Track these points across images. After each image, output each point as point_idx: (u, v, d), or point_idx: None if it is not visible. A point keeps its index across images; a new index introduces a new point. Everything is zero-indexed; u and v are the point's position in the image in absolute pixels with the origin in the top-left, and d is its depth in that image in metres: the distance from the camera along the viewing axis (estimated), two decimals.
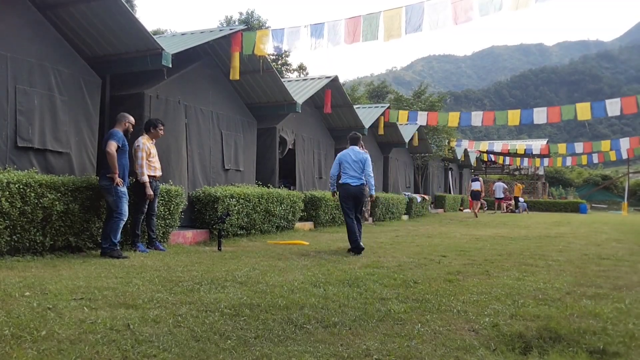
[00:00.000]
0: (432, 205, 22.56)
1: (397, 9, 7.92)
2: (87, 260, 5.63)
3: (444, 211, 23.57)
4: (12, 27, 6.10)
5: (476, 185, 20.54)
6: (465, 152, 29.03)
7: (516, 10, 7.23)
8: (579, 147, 24.68)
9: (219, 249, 7.12)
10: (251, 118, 10.70)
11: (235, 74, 9.12)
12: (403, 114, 16.61)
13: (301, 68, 37.47)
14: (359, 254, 6.98)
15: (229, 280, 4.59)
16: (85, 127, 6.97)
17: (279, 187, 11.06)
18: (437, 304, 3.89)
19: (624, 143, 22.72)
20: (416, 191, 21.36)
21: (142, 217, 6.74)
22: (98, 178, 6.27)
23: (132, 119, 6.57)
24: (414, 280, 4.83)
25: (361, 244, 7.11)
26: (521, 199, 27.15)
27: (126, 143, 6.33)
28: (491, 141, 37.28)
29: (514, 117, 15.18)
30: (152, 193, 6.66)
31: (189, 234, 8.04)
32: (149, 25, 61.40)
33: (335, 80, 13.52)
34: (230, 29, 9.38)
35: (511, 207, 26.69)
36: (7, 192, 5.19)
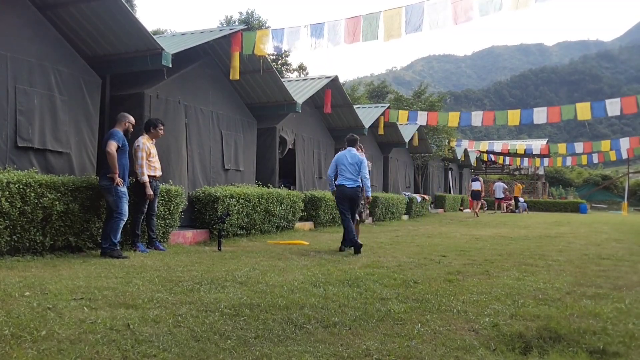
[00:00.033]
0: (432, 205, 22.56)
1: (397, 8, 7.92)
2: (87, 260, 5.63)
3: (444, 211, 23.57)
4: (12, 27, 6.10)
5: (476, 185, 20.55)
6: (465, 152, 29.03)
7: (516, 10, 7.24)
8: (579, 147, 24.68)
9: (219, 249, 7.12)
10: (251, 118, 10.70)
11: (235, 74, 9.12)
12: (403, 114, 16.61)
13: (301, 68, 37.46)
14: (359, 252, 7.02)
15: (229, 280, 4.59)
16: (85, 127, 6.97)
17: (279, 187, 11.06)
18: (437, 304, 3.89)
19: (624, 143, 22.73)
20: (416, 191, 21.36)
21: (142, 217, 6.74)
22: (98, 178, 6.27)
23: (132, 119, 6.57)
24: (414, 280, 4.84)
25: (344, 247, 7.27)
26: (521, 199, 27.14)
27: (126, 143, 6.33)
28: (491, 141, 37.28)
29: (514, 117, 15.18)
30: (152, 193, 6.66)
31: (189, 234, 8.04)
32: (149, 25, 61.37)
33: (335, 80, 13.53)
34: (230, 29, 9.37)
35: (511, 207, 26.69)
36: (7, 192, 5.19)
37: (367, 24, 8.13)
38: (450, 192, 27.14)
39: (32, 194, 5.42)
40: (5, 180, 5.19)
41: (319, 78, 13.81)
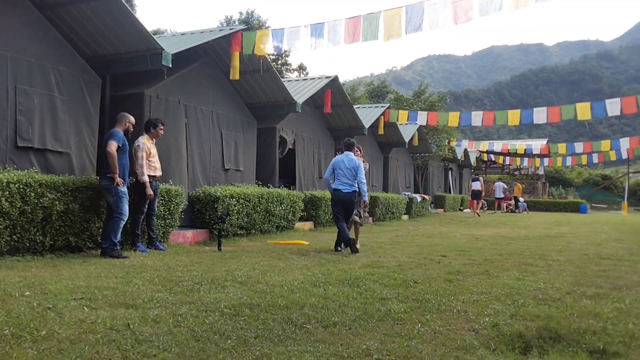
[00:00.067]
0: (432, 205, 22.56)
1: (397, 8, 7.92)
2: (87, 260, 5.63)
3: (444, 211, 23.57)
4: (12, 27, 6.10)
5: (477, 185, 20.54)
6: (465, 152, 29.03)
7: (516, 10, 7.24)
8: (579, 147, 24.68)
9: (219, 249, 7.12)
10: (251, 118, 10.70)
11: (235, 74, 9.12)
12: (403, 114, 16.61)
13: (301, 68, 37.46)
14: (357, 251, 7.07)
15: (229, 280, 4.59)
16: (85, 126, 6.97)
17: (279, 187, 11.06)
18: (437, 303, 3.89)
19: (624, 143, 22.73)
20: (416, 191, 21.36)
21: (142, 217, 6.74)
22: (98, 178, 6.27)
23: (132, 119, 6.57)
24: (414, 280, 4.84)
25: (338, 248, 7.31)
26: (521, 199, 27.14)
27: (126, 143, 6.33)
28: (491, 141, 37.29)
29: (514, 117, 15.18)
30: (152, 193, 6.65)
31: (189, 233, 8.04)
32: (149, 25, 61.37)
33: (335, 80, 13.53)
34: (230, 29, 9.37)
35: (511, 207, 26.69)
36: (7, 192, 5.19)
37: (367, 24, 8.13)
38: (450, 192, 27.14)
39: (32, 194, 5.42)
40: (5, 180, 5.19)
41: (319, 78, 13.81)
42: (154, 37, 7.48)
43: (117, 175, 6.06)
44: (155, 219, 6.95)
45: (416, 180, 22.44)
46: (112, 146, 6.06)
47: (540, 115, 14.72)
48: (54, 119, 6.46)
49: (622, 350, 2.88)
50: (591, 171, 49.71)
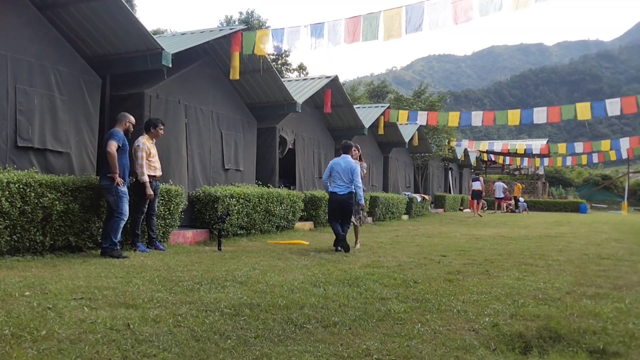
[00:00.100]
0: (432, 205, 22.56)
1: (397, 8, 7.92)
2: (87, 260, 5.63)
3: (444, 211, 23.57)
4: (12, 27, 6.10)
5: (477, 185, 20.53)
6: (465, 151, 29.03)
7: (516, 10, 7.24)
8: (579, 146, 24.68)
9: (219, 249, 7.12)
10: (251, 118, 10.70)
11: (235, 74, 9.12)
12: (403, 114, 16.61)
13: (301, 68, 37.45)
14: (348, 250, 7.14)
15: (229, 280, 4.59)
16: (85, 126, 6.97)
17: (279, 187, 11.06)
18: (437, 303, 3.89)
19: (624, 143, 22.73)
20: (416, 191, 21.36)
21: (142, 217, 6.74)
22: (98, 178, 6.27)
23: (132, 119, 6.57)
24: (414, 280, 4.84)
25: (338, 247, 7.31)
26: (521, 199, 27.14)
27: (126, 143, 6.33)
28: (491, 141, 37.30)
29: (514, 117, 15.19)
30: (152, 193, 6.65)
31: (189, 233, 8.04)
32: (149, 25, 61.36)
33: (335, 80, 13.53)
34: (230, 29, 9.37)
35: (511, 207, 26.69)
36: (7, 192, 5.19)
37: (367, 24, 8.13)
38: (450, 192, 27.14)
39: (32, 194, 5.42)
40: (5, 180, 5.20)
41: (319, 78, 13.81)
42: (154, 37, 7.48)
43: (117, 175, 6.06)
44: (155, 219, 6.95)
45: (416, 180, 22.44)
46: (112, 146, 6.06)
47: (540, 115, 14.72)
48: (54, 119, 6.46)
49: (622, 350, 2.88)
50: (591, 171, 49.71)
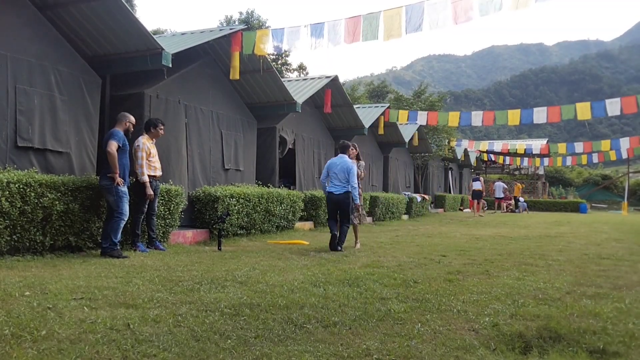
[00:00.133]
0: (432, 205, 22.56)
1: (397, 8, 7.92)
2: (87, 259, 5.63)
3: (444, 211, 23.58)
4: (12, 27, 6.10)
5: (477, 185, 20.53)
6: (465, 151, 29.04)
7: (516, 10, 7.24)
8: (579, 146, 24.68)
9: (219, 249, 7.12)
10: (251, 118, 10.70)
11: (235, 74, 9.12)
12: (403, 114, 16.61)
13: (301, 68, 37.45)
14: (335, 250, 7.27)
15: (229, 280, 4.59)
16: (85, 126, 6.97)
17: (279, 187, 11.06)
18: (437, 303, 3.89)
19: (624, 143, 22.73)
20: (416, 191, 21.36)
21: (142, 217, 6.74)
22: (98, 178, 6.27)
23: (132, 119, 6.57)
24: (414, 280, 4.84)
25: (338, 247, 7.38)
26: (521, 199, 27.15)
27: (127, 143, 6.33)
28: (491, 141, 37.32)
29: (514, 116, 15.19)
30: (152, 193, 6.65)
31: (189, 233, 8.04)
32: (149, 25, 61.36)
33: (335, 80, 13.53)
34: (230, 29, 9.37)
35: (511, 207, 26.69)
36: (7, 192, 5.19)
37: (367, 24, 8.13)
38: (450, 192, 27.14)
39: (32, 194, 5.42)
40: (5, 180, 5.20)
41: (319, 78, 13.81)
42: (154, 37, 7.48)
43: (117, 175, 6.06)
44: (155, 219, 6.95)
45: (416, 180, 22.44)
46: (113, 146, 6.07)
47: (540, 115, 14.72)
48: (54, 119, 6.46)
49: (622, 350, 2.88)
50: (591, 171, 49.72)
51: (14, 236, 5.32)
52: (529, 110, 15.36)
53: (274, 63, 29.66)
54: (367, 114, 16.76)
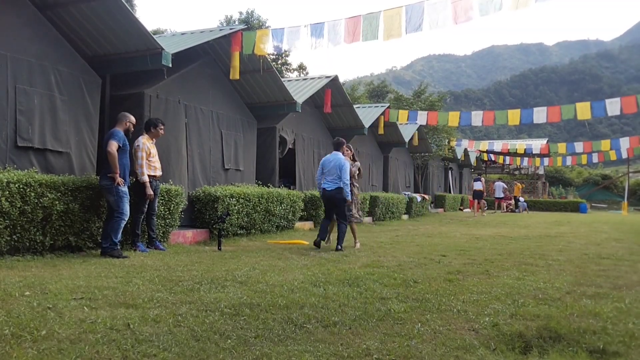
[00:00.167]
0: (432, 205, 22.56)
1: (397, 8, 7.91)
2: (87, 259, 5.63)
3: (444, 211, 23.58)
4: (11, 27, 6.10)
5: (478, 185, 20.54)
6: (465, 151, 29.04)
7: (516, 10, 7.23)
8: (579, 146, 24.68)
9: (219, 249, 7.12)
10: (251, 118, 10.70)
11: (235, 74, 9.11)
12: (403, 114, 16.61)
13: (301, 68, 37.44)
14: (319, 248, 7.51)
15: (229, 280, 4.59)
16: (85, 126, 6.97)
17: (279, 187, 11.06)
18: (437, 303, 3.89)
19: (624, 142, 22.73)
20: (416, 191, 21.36)
21: (142, 217, 6.74)
22: (98, 178, 6.27)
23: (133, 119, 6.57)
24: (414, 280, 4.84)
25: (338, 247, 7.44)
26: (521, 199, 27.16)
27: (127, 143, 6.33)
28: (491, 141, 37.33)
29: (514, 116, 15.19)
30: (152, 193, 6.65)
31: (189, 233, 8.04)
32: (149, 25, 61.33)
33: (335, 79, 13.52)
34: (230, 29, 9.37)
35: (511, 207, 26.69)
36: (7, 192, 5.19)
37: (367, 24, 8.13)
38: (450, 192, 27.14)
39: (32, 194, 5.42)
40: (5, 180, 5.20)
41: (319, 78, 13.81)
42: (154, 36, 7.48)
43: (117, 175, 6.06)
44: (155, 219, 6.95)
45: (416, 180, 22.44)
46: (113, 146, 6.07)
47: (540, 115, 14.72)
48: (54, 119, 6.46)
49: (622, 350, 2.88)
50: (591, 171, 49.75)
51: (14, 236, 5.32)
52: (529, 110, 15.35)
53: (274, 63, 29.66)
54: (367, 113, 16.76)
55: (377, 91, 43.48)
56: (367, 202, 14.07)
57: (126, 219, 6.21)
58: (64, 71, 6.68)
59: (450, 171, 27.90)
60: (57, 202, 5.68)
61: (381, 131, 16.51)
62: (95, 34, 7.39)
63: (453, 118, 16.39)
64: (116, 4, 6.85)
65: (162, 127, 7.07)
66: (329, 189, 7.66)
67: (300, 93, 12.35)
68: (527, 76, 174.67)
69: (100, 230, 6.23)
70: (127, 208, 6.18)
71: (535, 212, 26.45)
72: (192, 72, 9.02)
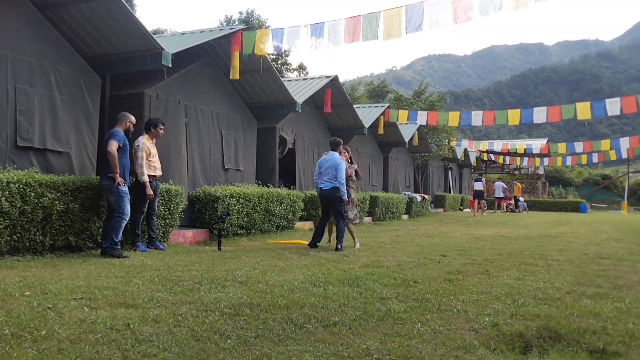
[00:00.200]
0: (432, 205, 22.56)
1: (397, 8, 7.91)
2: (87, 259, 5.63)
3: (444, 211, 23.57)
4: (12, 27, 6.10)
5: (479, 185, 20.54)
6: (465, 151, 29.04)
7: (516, 10, 7.23)
8: (578, 146, 24.68)
9: (219, 249, 7.12)
10: (251, 118, 10.70)
11: (235, 74, 9.11)
12: (403, 114, 16.61)
13: (301, 68, 37.43)
14: (314, 247, 7.61)
15: (229, 280, 4.59)
16: (85, 126, 6.97)
17: (279, 187, 11.06)
18: (437, 303, 3.89)
19: (624, 142, 22.73)
20: (416, 191, 21.36)
21: (142, 217, 6.74)
22: (98, 178, 6.27)
23: (133, 119, 6.57)
24: (413, 280, 4.84)
25: (338, 246, 7.49)
26: (521, 199, 27.16)
27: (127, 143, 6.33)
28: (491, 141, 37.35)
29: (513, 116, 15.18)
30: (152, 193, 6.65)
31: (189, 233, 8.04)
32: (149, 25, 61.31)
33: (335, 79, 13.52)
34: (230, 29, 9.37)
35: (511, 207, 26.69)
36: (7, 192, 5.19)
37: (367, 24, 8.13)
38: (450, 192, 27.14)
39: (32, 194, 5.42)
40: (5, 180, 5.20)
41: (318, 78, 13.81)
42: (154, 36, 7.48)
43: (117, 175, 6.06)
44: (155, 219, 6.95)
45: (416, 180, 22.44)
46: (113, 146, 6.07)
47: (540, 114, 14.72)
48: (54, 119, 6.46)
49: (622, 350, 2.88)
50: (591, 171, 49.76)
51: (14, 236, 5.32)
52: (529, 110, 15.35)
53: (274, 63, 29.65)
54: (367, 113, 16.75)
55: (377, 91, 43.47)
56: (367, 202, 14.07)
57: (127, 219, 6.21)
58: (64, 71, 6.68)
59: (450, 171, 27.90)
60: (57, 202, 5.68)
61: (381, 131, 16.51)
62: (95, 34, 7.39)
63: (453, 118, 16.39)
64: (116, 4, 6.84)
65: (162, 127, 7.07)
66: (325, 188, 7.76)
67: (300, 93, 12.35)
68: (527, 76, 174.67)
69: (100, 230, 6.23)
70: (128, 208, 6.19)
71: (535, 212, 26.45)
72: (192, 72, 9.02)
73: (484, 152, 31.91)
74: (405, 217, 17.31)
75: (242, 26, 9.70)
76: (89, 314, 3.26)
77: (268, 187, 10.27)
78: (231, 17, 39.84)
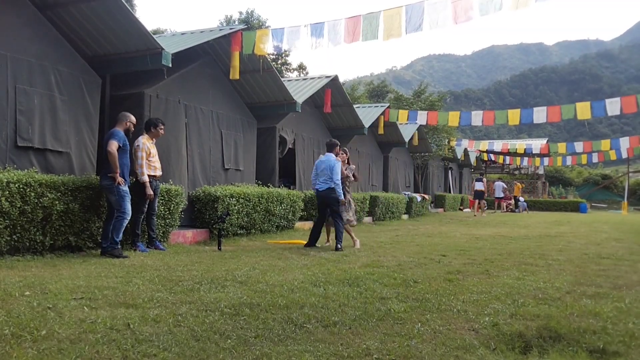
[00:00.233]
0: (432, 205, 22.56)
1: (397, 8, 7.91)
2: (87, 259, 5.64)
3: (444, 210, 23.57)
4: (11, 27, 6.10)
5: (479, 185, 20.53)
6: (465, 151, 29.04)
7: (516, 10, 7.23)
8: (578, 146, 24.68)
9: (219, 249, 7.12)
10: (251, 117, 10.70)
11: (235, 74, 9.11)
12: (403, 114, 16.61)
13: (301, 67, 37.43)
14: (310, 246, 7.69)
15: (229, 280, 4.59)
16: (85, 126, 6.97)
17: (279, 187, 11.06)
18: (437, 303, 3.89)
19: (624, 142, 22.73)
20: (416, 191, 21.36)
21: (142, 217, 6.74)
22: (99, 178, 6.28)
23: (133, 119, 6.57)
24: (413, 280, 4.84)
25: (338, 246, 7.50)
26: (521, 199, 27.15)
27: (127, 142, 6.33)
28: (491, 140, 37.35)
29: (514, 116, 15.19)
30: (152, 193, 6.65)
31: (189, 233, 8.04)
32: (149, 25, 61.30)
33: (335, 79, 13.52)
34: (230, 29, 9.37)
35: (511, 207, 26.69)
36: (7, 192, 5.19)
37: (367, 24, 8.13)
38: (450, 192, 27.14)
39: (32, 194, 5.42)
40: (5, 180, 5.20)
41: (318, 77, 13.81)
42: (154, 36, 7.48)
43: (117, 175, 6.06)
44: (155, 219, 6.95)
45: (416, 179, 22.44)
46: (113, 146, 6.07)
47: (540, 114, 14.72)
48: (54, 119, 6.46)
49: (622, 350, 2.88)
50: (591, 171, 49.75)
51: (14, 236, 5.33)
52: (529, 109, 15.35)
53: (274, 63, 29.65)
54: (367, 113, 16.75)
55: (377, 91, 43.46)
56: (367, 202, 14.08)
57: (128, 218, 6.21)
58: (64, 71, 6.68)
59: (450, 171, 27.89)
60: (57, 202, 5.68)
61: (381, 131, 16.51)
62: (95, 34, 7.39)
63: (453, 118, 16.39)
64: (116, 4, 6.85)
65: (162, 127, 7.07)
66: (321, 189, 7.84)
67: (300, 93, 12.35)
68: (527, 76, 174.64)
69: (100, 230, 6.23)
70: (129, 207, 6.19)
71: (535, 212, 26.45)
72: (192, 72, 9.02)
73: (484, 152, 31.90)
74: (405, 217, 17.31)
75: (242, 26, 9.70)
76: (89, 313, 3.26)
77: (268, 187, 10.27)
78: (231, 17, 39.86)
